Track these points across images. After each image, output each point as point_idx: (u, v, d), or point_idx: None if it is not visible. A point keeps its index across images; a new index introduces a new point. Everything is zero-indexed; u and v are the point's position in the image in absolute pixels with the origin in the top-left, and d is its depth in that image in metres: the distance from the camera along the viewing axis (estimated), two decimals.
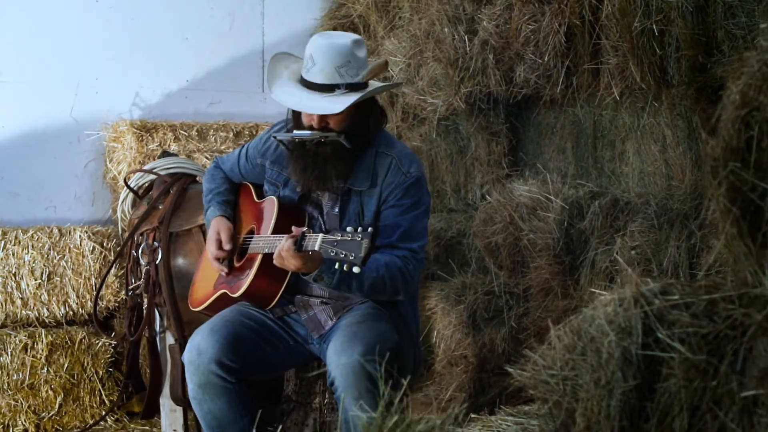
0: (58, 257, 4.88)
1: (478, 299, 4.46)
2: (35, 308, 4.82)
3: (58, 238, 4.91)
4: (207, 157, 5.13)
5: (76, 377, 4.80)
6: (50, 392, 4.73)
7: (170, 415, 4.25)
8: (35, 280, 4.82)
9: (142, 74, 5.45)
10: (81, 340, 4.82)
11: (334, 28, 5.56)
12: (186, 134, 5.21)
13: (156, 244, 4.18)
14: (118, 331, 4.94)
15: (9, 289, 4.77)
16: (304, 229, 3.03)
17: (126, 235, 4.44)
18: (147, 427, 4.74)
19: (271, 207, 3.41)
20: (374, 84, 3.39)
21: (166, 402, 4.24)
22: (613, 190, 4.04)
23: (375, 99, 3.45)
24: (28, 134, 5.19)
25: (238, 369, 3.26)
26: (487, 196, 4.54)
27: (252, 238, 3.44)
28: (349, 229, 2.92)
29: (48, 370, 4.73)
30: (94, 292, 4.83)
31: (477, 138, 4.69)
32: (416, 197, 3.34)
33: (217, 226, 3.51)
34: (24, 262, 4.80)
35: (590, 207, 3.96)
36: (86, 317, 4.93)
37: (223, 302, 3.46)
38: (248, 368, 3.30)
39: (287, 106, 3.40)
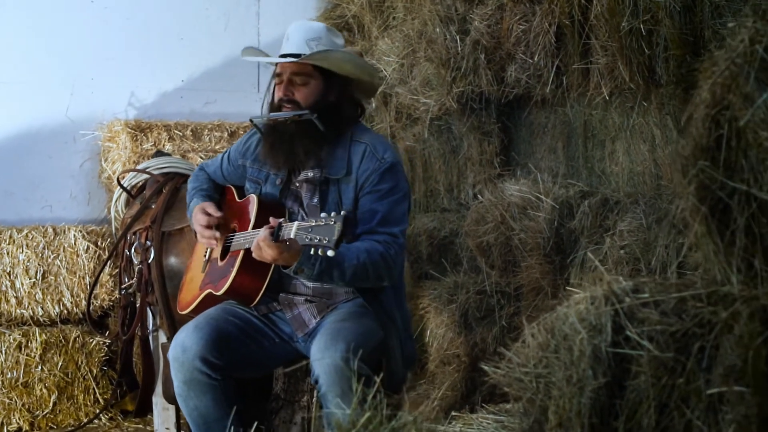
0: (52, 256, 4.91)
1: (470, 298, 4.46)
2: (30, 307, 4.85)
3: (52, 237, 4.94)
4: (201, 157, 5.15)
5: (70, 376, 4.82)
6: (44, 390, 4.76)
7: (163, 414, 4.27)
8: (30, 278, 4.85)
9: (137, 74, 5.48)
10: (75, 338, 4.85)
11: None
12: (180, 134, 5.23)
13: (148, 243, 4.20)
14: (112, 329, 4.96)
15: (3, 288, 4.80)
16: (281, 219, 3.06)
17: (119, 234, 4.47)
18: (140, 425, 4.77)
19: (251, 204, 3.44)
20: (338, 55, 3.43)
21: (158, 400, 4.26)
22: (602, 190, 4.05)
23: (350, 88, 3.49)
24: (23, 134, 5.22)
25: (222, 366, 3.27)
26: (479, 196, 4.55)
27: (234, 235, 3.46)
28: (323, 214, 2.94)
29: (42, 368, 4.75)
30: (88, 291, 4.84)
31: (469, 138, 4.70)
32: (393, 182, 3.36)
33: (201, 205, 3.56)
34: (18, 261, 4.83)
35: (580, 206, 3.96)
36: (80, 316, 4.96)
37: (209, 302, 3.47)
38: (233, 365, 3.31)
39: (251, 60, 3.56)
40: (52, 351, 4.79)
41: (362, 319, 3.30)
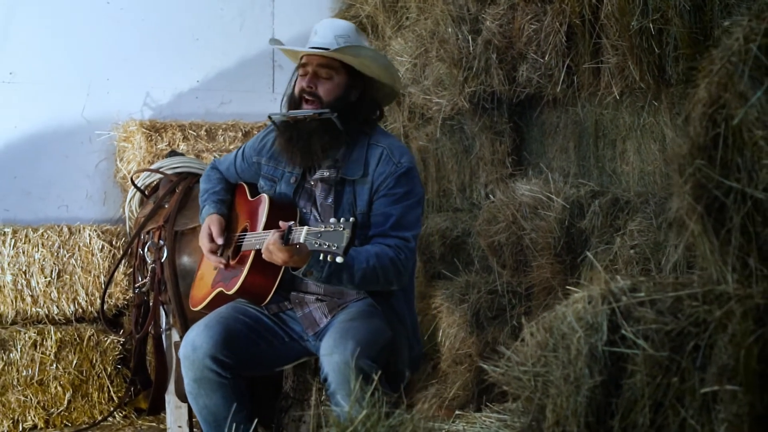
0: (67, 255, 4.94)
1: (482, 298, 4.47)
2: (45, 305, 4.89)
3: (67, 237, 4.98)
4: (216, 157, 5.17)
5: (84, 374, 4.86)
6: (59, 388, 4.80)
7: (175, 412, 4.30)
8: (45, 277, 4.89)
9: (153, 74, 5.51)
10: (90, 337, 4.88)
11: None
12: (195, 134, 5.26)
13: (161, 242, 4.24)
14: (126, 328, 4.99)
15: (19, 287, 4.84)
16: (291, 223, 3.07)
17: (133, 233, 4.50)
18: (154, 423, 4.80)
19: (263, 204, 3.45)
20: (369, 53, 3.44)
21: (171, 398, 4.29)
22: (613, 190, 4.04)
23: (372, 89, 3.50)
24: (40, 134, 5.25)
25: (232, 364, 3.29)
26: (490, 196, 4.55)
27: (246, 235, 3.48)
28: (332, 220, 2.94)
29: (57, 366, 4.79)
30: (102, 290, 4.88)
31: (481, 137, 4.70)
32: (408, 187, 3.36)
33: (208, 222, 3.57)
34: (34, 260, 4.87)
35: (591, 206, 3.96)
36: (95, 315, 4.99)
37: (220, 300, 3.49)
38: (243, 364, 3.33)
39: (281, 48, 3.54)
40: (67, 349, 4.83)
41: (372, 319, 3.31)
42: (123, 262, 4.86)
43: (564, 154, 4.42)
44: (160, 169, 4.53)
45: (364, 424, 2.01)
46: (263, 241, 3.22)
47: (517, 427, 2.24)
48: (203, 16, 5.64)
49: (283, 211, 3.42)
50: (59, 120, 5.29)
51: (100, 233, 5.04)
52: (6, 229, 4.88)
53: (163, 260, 4.20)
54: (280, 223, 3.11)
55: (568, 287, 2.23)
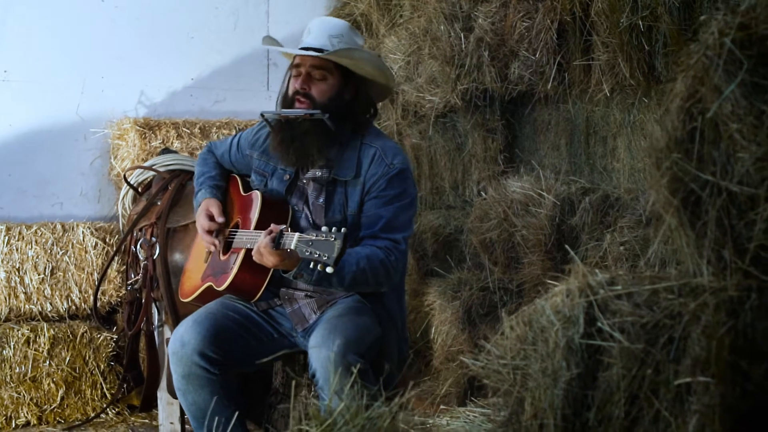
0: (61, 252, 4.96)
1: (474, 295, 4.47)
2: (38, 302, 4.90)
3: (61, 234, 4.99)
4: None
5: (77, 370, 4.86)
6: (52, 385, 4.80)
7: (167, 408, 4.31)
8: (38, 274, 4.90)
9: (147, 73, 5.52)
10: (83, 334, 4.89)
11: None
12: (189, 132, 5.27)
13: (154, 239, 4.25)
14: (120, 325, 5.00)
15: (13, 284, 4.85)
16: (283, 227, 3.07)
17: (125, 230, 4.52)
18: (147, 420, 4.81)
19: (255, 202, 3.46)
20: (363, 54, 3.45)
21: (163, 395, 4.31)
22: (604, 186, 4.04)
23: (366, 89, 3.50)
24: (34, 132, 5.27)
25: (221, 361, 3.30)
26: (482, 193, 4.56)
27: (237, 232, 3.49)
28: (324, 229, 2.94)
29: (50, 363, 4.80)
30: (95, 287, 4.89)
31: (474, 135, 4.71)
32: (400, 188, 3.37)
33: (206, 204, 3.57)
34: (28, 257, 4.88)
35: (581, 203, 3.96)
36: (88, 312, 5.00)
37: (209, 295, 3.50)
38: (231, 360, 3.34)
39: (275, 49, 3.56)
40: (60, 346, 4.84)
41: (361, 315, 3.32)
42: (116, 259, 4.87)
43: (555, 152, 4.42)
44: (153, 167, 4.55)
45: (343, 416, 2.02)
46: (254, 240, 3.22)
47: (498, 421, 2.24)
48: (198, 15, 5.65)
49: (274, 210, 3.43)
50: (54, 118, 5.31)
51: (93, 230, 5.05)
52: (0, 227, 4.89)
53: (155, 257, 4.21)
54: (272, 226, 3.11)
55: (549, 281, 2.23)
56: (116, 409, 4.89)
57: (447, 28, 4.54)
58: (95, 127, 5.39)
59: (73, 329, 4.89)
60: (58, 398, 4.81)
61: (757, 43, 1.79)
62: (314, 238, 2.93)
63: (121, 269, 4.95)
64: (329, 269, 2.91)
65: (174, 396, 4.11)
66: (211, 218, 3.53)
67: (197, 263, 3.69)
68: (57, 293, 4.93)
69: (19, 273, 4.86)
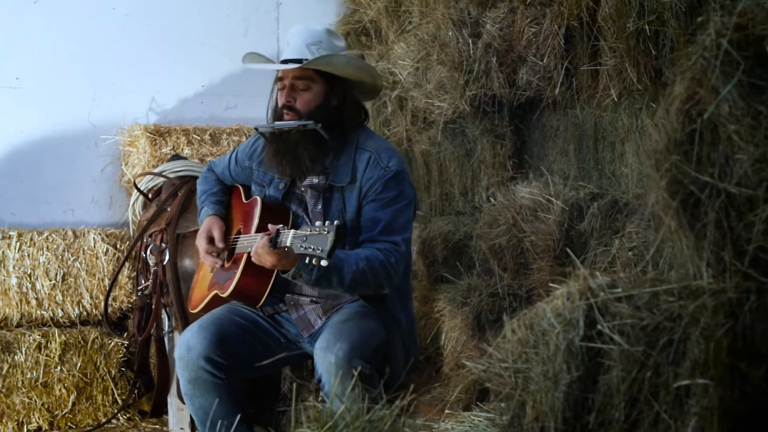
0: (72, 258, 4.98)
1: (483, 301, 4.47)
2: (50, 308, 4.92)
3: (72, 240, 5.01)
4: None
5: (88, 376, 4.88)
6: (63, 390, 4.82)
7: (177, 414, 4.32)
8: (50, 280, 4.92)
9: (158, 79, 5.53)
10: (94, 339, 4.91)
11: (347, 34, 5.64)
12: (199, 138, 5.29)
13: (164, 245, 4.27)
14: (130, 331, 5.02)
15: (24, 290, 4.87)
16: (280, 226, 3.09)
17: (135, 236, 4.54)
18: (157, 426, 4.81)
19: (255, 207, 3.48)
20: (341, 60, 3.44)
21: (173, 400, 4.32)
22: (612, 192, 4.04)
23: (353, 91, 3.50)
24: (46, 139, 5.28)
25: (227, 365, 3.31)
26: (491, 199, 4.56)
27: (239, 238, 3.50)
28: (318, 223, 2.96)
29: (61, 368, 4.81)
30: (106, 293, 4.91)
31: (482, 141, 4.71)
32: (397, 191, 3.36)
33: (209, 224, 3.59)
34: (39, 263, 4.91)
35: (589, 208, 3.96)
36: (99, 317, 5.01)
37: (216, 303, 3.52)
38: (238, 365, 3.35)
39: (251, 66, 3.62)
40: (71, 352, 4.86)
41: (366, 320, 3.33)
42: (126, 265, 4.89)
43: (564, 157, 4.42)
44: (163, 173, 4.57)
45: (344, 418, 2.03)
46: (254, 244, 3.24)
47: (500, 425, 2.24)
48: (209, 22, 5.67)
49: (275, 213, 3.44)
50: (65, 125, 5.33)
51: (104, 237, 5.08)
52: (11, 233, 4.92)
53: (165, 263, 4.23)
54: (269, 226, 3.13)
55: (550, 284, 2.23)
56: (127, 415, 4.90)
57: (455, 34, 4.54)
58: (106, 133, 5.41)
59: (84, 335, 4.91)
60: (70, 404, 4.82)
61: (754, 43, 1.79)
62: (308, 233, 2.95)
63: (132, 275, 4.97)
64: (323, 262, 2.92)
65: (184, 401, 4.13)
66: (211, 240, 3.55)
67: (204, 273, 3.71)
68: (68, 299, 4.95)
69: (30, 279, 4.88)
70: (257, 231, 3.37)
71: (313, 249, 2.91)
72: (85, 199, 5.39)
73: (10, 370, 4.70)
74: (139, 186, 4.66)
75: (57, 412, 4.80)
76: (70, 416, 4.84)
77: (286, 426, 3.71)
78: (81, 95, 5.37)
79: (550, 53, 4.10)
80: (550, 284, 2.18)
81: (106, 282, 5.00)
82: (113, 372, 4.95)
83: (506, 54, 4.39)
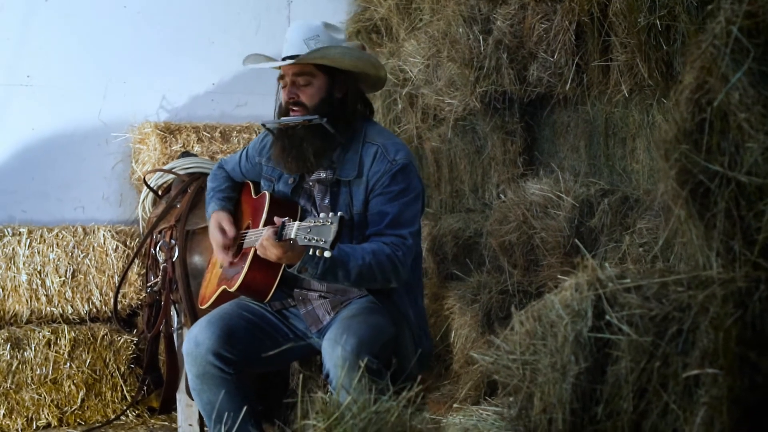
0: (82, 255, 4.99)
1: (493, 298, 4.44)
2: (59, 305, 4.93)
3: (82, 237, 5.02)
4: None
5: (98, 373, 4.88)
6: (73, 387, 4.82)
7: (186, 410, 4.32)
8: (60, 277, 4.93)
9: (169, 77, 5.55)
10: (103, 336, 4.91)
11: (358, 32, 5.63)
12: (209, 135, 5.29)
13: (173, 241, 4.26)
14: (140, 327, 5.02)
15: (34, 286, 4.89)
16: (285, 219, 3.08)
17: (145, 233, 4.54)
18: (166, 422, 4.82)
19: (264, 202, 3.47)
20: (337, 51, 3.43)
21: (182, 397, 4.32)
22: (623, 188, 4.01)
23: (356, 83, 3.49)
24: (57, 136, 5.31)
25: (235, 360, 3.31)
26: (502, 196, 4.54)
27: (247, 232, 3.50)
28: (321, 215, 2.95)
29: (71, 365, 4.82)
30: (115, 289, 4.92)
31: (493, 137, 4.69)
32: (404, 184, 3.35)
33: (217, 218, 3.59)
34: (49, 259, 4.92)
35: (600, 205, 3.93)
36: (109, 314, 5.02)
37: (225, 298, 3.52)
38: (246, 360, 3.35)
39: (250, 66, 3.62)
40: (81, 348, 4.86)
41: (374, 315, 3.31)
42: (136, 261, 4.90)
43: (575, 153, 4.39)
44: (173, 170, 4.57)
45: (350, 409, 2.01)
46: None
47: (508, 417, 2.22)
48: (219, 20, 5.68)
49: (283, 208, 3.44)
50: (76, 122, 5.34)
51: (114, 234, 5.08)
52: (22, 229, 4.93)
53: (174, 259, 4.23)
54: (275, 219, 3.12)
55: (559, 276, 2.22)
56: (136, 411, 4.90)
57: (466, 31, 4.53)
58: (117, 131, 5.42)
59: (93, 331, 4.92)
60: (79, 400, 4.83)
61: (765, 31, 1.77)
62: (312, 224, 2.94)
63: (141, 272, 4.97)
64: (327, 253, 2.91)
65: (192, 397, 4.13)
66: (223, 231, 3.54)
67: (215, 270, 3.71)
68: (78, 296, 4.96)
69: (40, 275, 4.90)
70: (265, 226, 3.36)
71: (317, 240, 2.90)
72: (96, 196, 5.41)
73: (20, 366, 4.71)
74: (149, 183, 4.66)
75: (66, 408, 4.81)
76: (79, 413, 4.84)
77: (294, 419, 3.69)
78: (92, 93, 5.39)
79: (560, 49, 4.08)
80: (559, 276, 2.16)
81: (116, 279, 5.01)
82: (122, 369, 4.95)
83: (517, 50, 4.37)
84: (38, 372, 4.74)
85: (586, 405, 1.95)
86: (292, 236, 2.98)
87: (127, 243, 5.09)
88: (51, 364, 4.76)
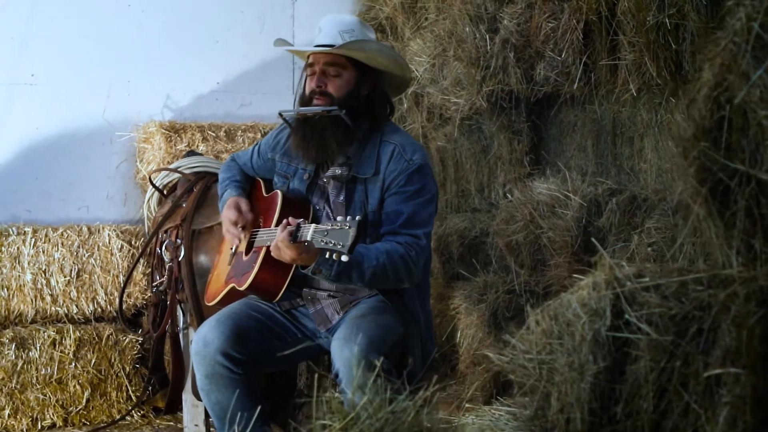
0: (87, 255, 4.97)
1: (500, 298, 4.44)
2: (64, 305, 4.92)
3: (87, 237, 5.01)
4: None
5: (103, 373, 4.88)
6: (78, 387, 4.82)
7: (192, 410, 4.30)
8: (65, 277, 4.92)
9: (173, 77, 5.54)
10: (108, 336, 4.91)
11: None
12: (214, 135, 5.28)
13: (179, 241, 4.24)
14: (145, 327, 5.01)
15: (39, 286, 4.87)
16: (300, 220, 3.06)
17: (151, 232, 4.52)
18: (172, 422, 4.81)
19: (276, 201, 3.45)
20: (374, 46, 3.43)
21: (188, 397, 4.30)
22: (631, 187, 4.00)
23: (382, 82, 3.48)
24: (61, 135, 5.30)
25: (244, 360, 3.29)
26: (508, 195, 4.52)
27: (258, 231, 3.48)
28: (339, 218, 2.92)
29: (76, 365, 4.81)
30: (121, 289, 4.91)
31: (499, 137, 4.68)
32: (420, 184, 3.33)
33: (236, 200, 3.56)
34: (54, 259, 4.91)
35: (608, 204, 3.92)
36: (114, 314, 5.02)
37: (233, 296, 3.49)
38: (254, 360, 3.33)
39: (286, 49, 3.57)
40: (86, 348, 4.85)
41: (383, 315, 3.30)
42: (141, 261, 4.88)
43: (582, 153, 4.38)
44: (178, 169, 4.55)
45: (366, 409, 2.00)
46: (274, 237, 3.21)
47: (524, 417, 2.21)
48: (224, 19, 5.67)
49: (295, 207, 3.42)
50: (80, 122, 5.33)
51: (119, 233, 5.08)
52: (26, 229, 4.92)
53: (180, 259, 4.21)
54: (290, 219, 3.10)
55: (574, 275, 2.20)
56: (141, 412, 4.90)
57: (472, 30, 4.52)
58: (121, 130, 5.41)
59: (98, 331, 4.91)
60: (84, 400, 4.82)
61: None
62: (329, 227, 2.92)
63: (147, 271, 4.96)
64: (344, 257, 2.89)
65: (199, 398, 4.10)
66: (239, 210, 3.52)
67: (222, 267, 3.69)
68: (83, 295, 4.94)
69: (45, 275, 4.88)
70: (277, 225, 3.34)
71: (334, 244, 2.88)
72: (100, 196, 5.40)
73: (25, 366, 4.70)
74: (154, 182, 4.64)
75: (71, 408, 4.80)
76: (84, 413, 4.84)
77: (303, 422, 3.68)
78: (96, 92, 5.38)
79: (568, 48, 4.06)
80: (574, 275, 2.15)
81: (121, 278, 5.00)
82: (128, 369, 4.94)
83: (524, 49, 4.36)
84: (43, 372, 4.73)
85: (605, 404, 1.94)
86: (308, 238, 2.96)
87: (132, 242, 5.08)
88: (56, 364, 4.76)
